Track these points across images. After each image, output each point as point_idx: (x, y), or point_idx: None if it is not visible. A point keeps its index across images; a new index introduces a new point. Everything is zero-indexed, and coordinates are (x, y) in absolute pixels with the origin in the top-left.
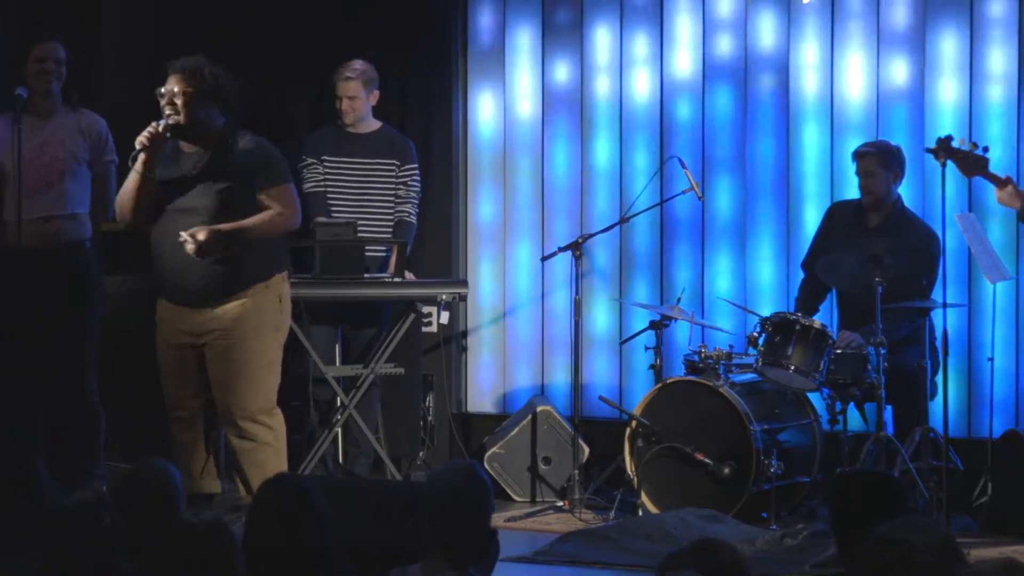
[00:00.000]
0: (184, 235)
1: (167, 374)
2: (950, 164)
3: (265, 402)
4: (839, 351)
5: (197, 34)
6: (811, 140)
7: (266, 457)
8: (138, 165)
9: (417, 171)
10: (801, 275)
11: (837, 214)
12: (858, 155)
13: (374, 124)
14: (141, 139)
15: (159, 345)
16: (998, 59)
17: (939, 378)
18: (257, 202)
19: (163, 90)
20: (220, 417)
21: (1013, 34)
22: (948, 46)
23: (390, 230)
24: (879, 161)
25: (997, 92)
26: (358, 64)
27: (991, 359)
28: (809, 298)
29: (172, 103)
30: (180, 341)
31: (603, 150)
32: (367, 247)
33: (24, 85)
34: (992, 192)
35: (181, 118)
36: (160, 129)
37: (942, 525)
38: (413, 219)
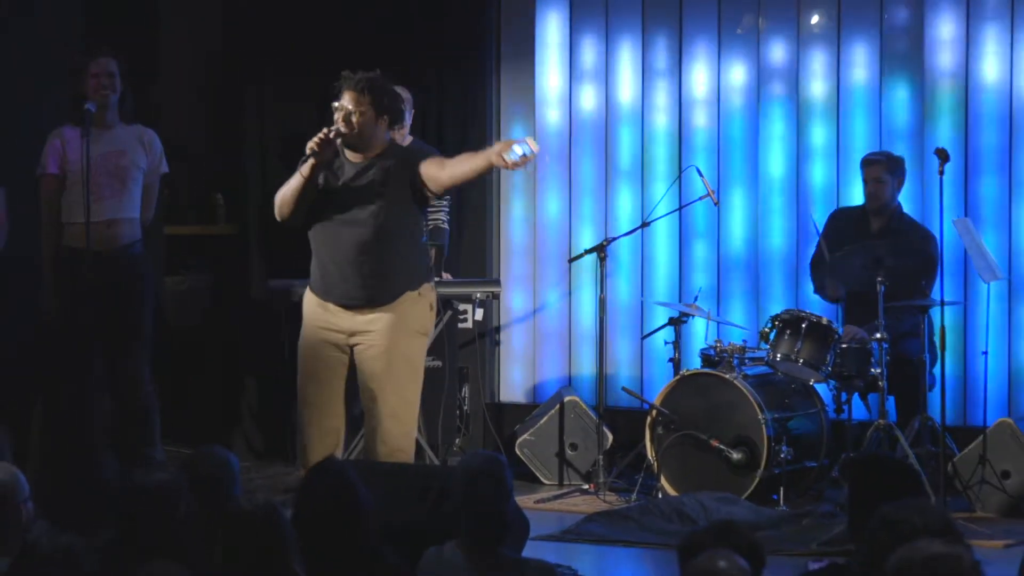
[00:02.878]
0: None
1: (311, 370)
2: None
3: (406, 403)
4: (844, 345)
5: (250, 52)
6: (819, 145)
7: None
8: (304, 169)
9: None
10: (810, 274)
11: (841, 219)
12: (868, 163)
13: (406, 138)
14: (312, 144)
15: (305, 341)
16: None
17: (937, 370)
18: (413, 222)
19: (338, 104)
20: (365, 416)
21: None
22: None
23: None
24: (887, 168)
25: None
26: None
27: (985, 353)
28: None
29: (347, 118)
30: (329, 341)
31: (626, 157)
32: None
33: (83, 100)
34: (985, 198)
35: (353, 130)
36: (331, 135)
37: (942, 507)
38: (446, 225)
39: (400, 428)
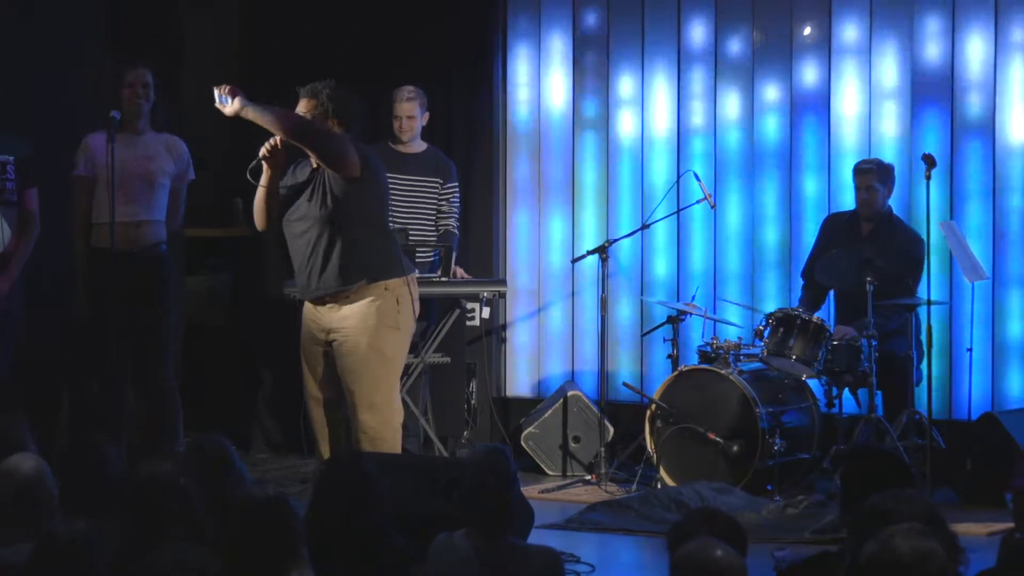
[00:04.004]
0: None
1: (304, 363)
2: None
3: (381, 394)
4: (835, 343)
5: (266, 61)
6: (811, 154)
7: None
8: (263, 179)
9: (458, 188)
10: (801, 282)
11: (833, 224)
12: (860, 171)
13: (421, 145)
14: (263, 150)
15: (302, 339)
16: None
17: (924, 366)
18: (358, 211)
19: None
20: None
21: None
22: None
23: (433, 239)
24: (878, 177)
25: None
26: (414, 88)
27: (970, 350)
28: (810, 305)
29: None
30: (314, 336)
31: (626, 163)
32: (417, 252)
33: (119, 107)
34: (969, 202)
35: None
36: (278, 143)
37: (927, 497)
38: (456, 230)
39: (378, 419)
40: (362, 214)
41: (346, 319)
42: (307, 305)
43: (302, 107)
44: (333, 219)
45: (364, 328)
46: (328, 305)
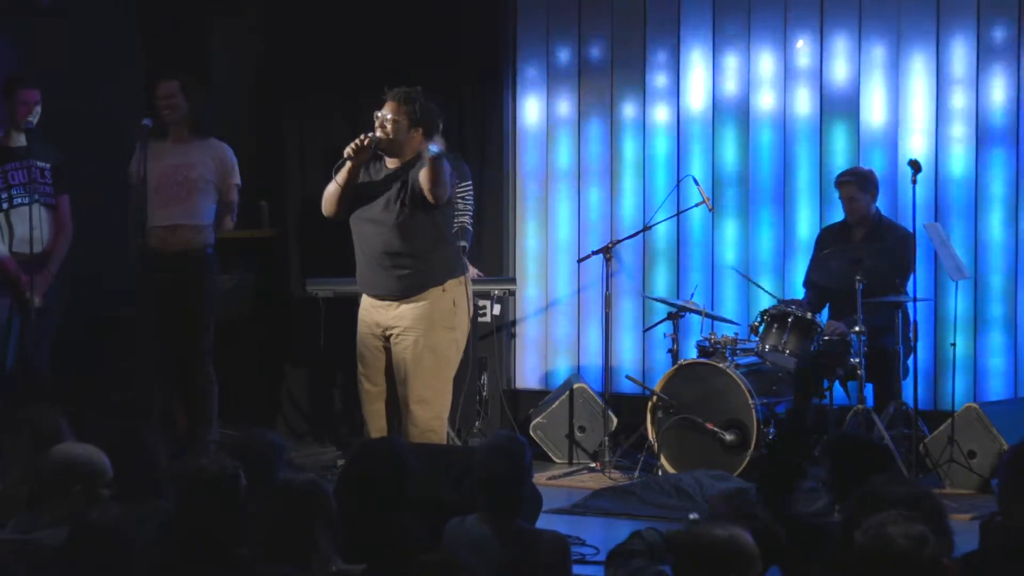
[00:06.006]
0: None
1: (360, 355)
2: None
3: (432, 390)
4: (826, 337)
5: (289, 74)
6: (804, 159)
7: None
8: (339, 176)
9: (471, 186)
10: (803, 292)
11: (827, 234)
12: (840, 184)
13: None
14: (348, 149)
15: (358, 331)
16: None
17: (910, 360)
18: (431, 222)
19: (378, 113)
20: (400, 401)
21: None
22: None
23: None
24: (859, 186)
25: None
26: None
27: (953, 345)
28: (810, 308)
29: (383, 124)
30: (371, 332)
31: (629, 168)
32: None
33: (153, 117)
34: (952, 206)
35: (388, 135)
36: (366, 142)
37: (918, 482)
38: (470, 226)
39: (428, 412)
40: (435, 226)
41: (402, 317)
42: (365, 301)
43: (388, 110)
44: (410, 228)
45: (419, 327)
46: (387, 303)
